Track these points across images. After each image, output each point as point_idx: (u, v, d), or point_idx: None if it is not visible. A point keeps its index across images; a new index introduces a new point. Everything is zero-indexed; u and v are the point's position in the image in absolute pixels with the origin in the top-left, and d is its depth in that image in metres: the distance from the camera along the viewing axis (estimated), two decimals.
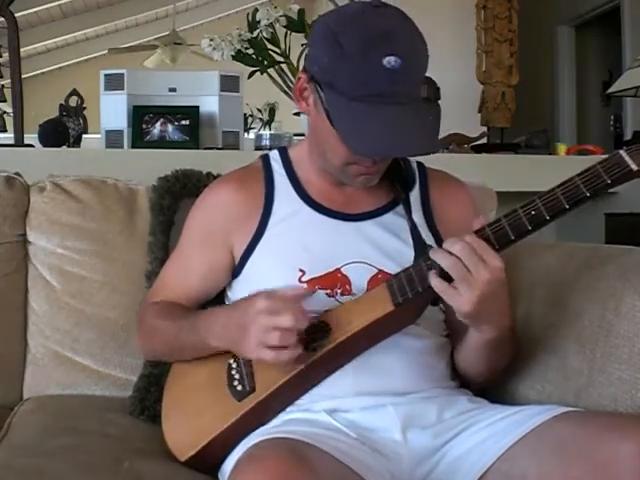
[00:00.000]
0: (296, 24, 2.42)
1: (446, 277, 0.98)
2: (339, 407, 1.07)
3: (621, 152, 0.95)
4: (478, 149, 3.16)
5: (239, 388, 1.09)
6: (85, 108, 3.42)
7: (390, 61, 1.01)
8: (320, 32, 1.10)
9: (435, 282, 0.98)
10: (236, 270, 1.22)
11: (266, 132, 3.42)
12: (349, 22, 1.06)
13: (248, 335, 1.02)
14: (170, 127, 2.58)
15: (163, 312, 1.22)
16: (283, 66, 2.49)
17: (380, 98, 1.03)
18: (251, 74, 2.50)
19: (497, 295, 0.98)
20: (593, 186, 0.95)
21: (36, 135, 2.65)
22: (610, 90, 3.37)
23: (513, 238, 0.98)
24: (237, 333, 1.05)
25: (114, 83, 2.62)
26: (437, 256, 0.98)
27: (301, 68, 1.18)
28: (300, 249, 1.16)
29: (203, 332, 1.12)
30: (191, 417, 1.15)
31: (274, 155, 1.28)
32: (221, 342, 1.10)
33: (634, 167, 0.94)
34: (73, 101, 3.40)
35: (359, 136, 1.04)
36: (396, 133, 1.04)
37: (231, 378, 1.10)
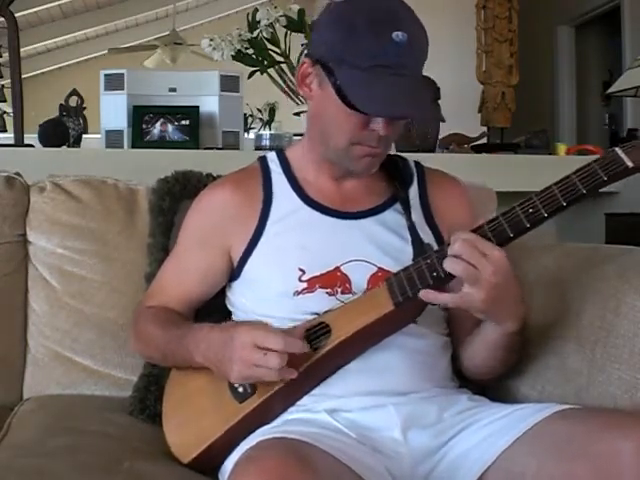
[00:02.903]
0: (296, 24, 2.43)
1: (443, 281, 1.00)
2: (340, 407, 1.07)
3: (617, 149, 0.97)
4: (478, 149, 3.16)
5: (240, 390, 1.09)
6: (85, 108, 3.41)
7: (398, 35, 1.06)
8: (328, 15, 1.15)
9: (446, 298, 0.99)
10: (235, 272, 1.22)
11: (266, 132, 3.42)
12: (355, 4, 1.11)
13: (231, 368, 1.03)
14: (170, 127, 2.58)
15: (157, 319, 1.22)
16: (283, 66, 2.50)
17: (389, 69, 1.07)
18: (251, 74, 2.51)
19: (506, 284, 0.98)
20: (589, 183, 0.96)
21: (36, 135, 2.65)
22: (610, 90, 3.37)
23: (512, 236, 0.99)
24: (221, 361, 1.05)
25: (114, 83, 2.61)
26: (448, 266, 0.98)
27: (304, 56, 1.22)
28: (299, 248, 1.16)
29: (192, 347, 1.12)
30: (193, 420, 1.15)
31: (271, 156, 1.28)
32: (206, 362, 1.10)
33: (629, 164, 0.95)
34: (73, 101, 3.40)
35: (372, 99, 1.06)
36: (407, 98, 1.08)
37: None
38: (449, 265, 0.98)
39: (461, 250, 0.97)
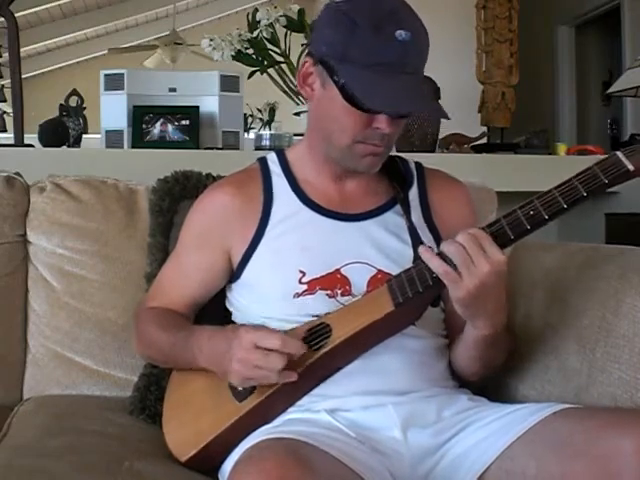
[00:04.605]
0: (296, 24, 2.43)
1: (443, 282, 0.99)
2: (339, 407, 1.07)
3: (618, 153, 0.97)
4: (478, 149, 3.16)
5: (240, 389, 1.09)
6: (85, 108, 3.41)
7: (401, 34, 1.06)
8: (329, 14, 1.13)
9: (436, 263, 0.98)
10: (236, 273, 1.22)
11: (266, 132, 3.42)
12: (356, 3, 1.10)
13: (232, 370, 1.04)
14: (170, 127, 2.58)
15: (159, 322, 1.22)
16: (283, 66, 2.50)
17: (391, 67, 1.06)
18: (251, 74, 2.51)
19: (495, 288, 0.99)
20: (590, 186, 0.96)
21: (36, 135, 2.65)
22: (610, 90, 3.37)
23: (512, 238, 0.99)
24: (222, 364, 1.06)
25: (114, 83, 2.61)
26: (443, 245, 0.99)
27: (304, 55, 1.21)
28: (300, 250, 1.16)
29: (195, 351, 1.13)
30: (192, 418, 1.15)
31: (271, 157, 1.28)
32: (209, 366, 1.11)
33: (631, 168, 0.95)
34: (73, 101, 3.39)
35: (376, 96, 1.06)
36: (411, 96, 1.08)
37: None
38: (445, 245, 0.98)
39: (463, 240, 0.97)
